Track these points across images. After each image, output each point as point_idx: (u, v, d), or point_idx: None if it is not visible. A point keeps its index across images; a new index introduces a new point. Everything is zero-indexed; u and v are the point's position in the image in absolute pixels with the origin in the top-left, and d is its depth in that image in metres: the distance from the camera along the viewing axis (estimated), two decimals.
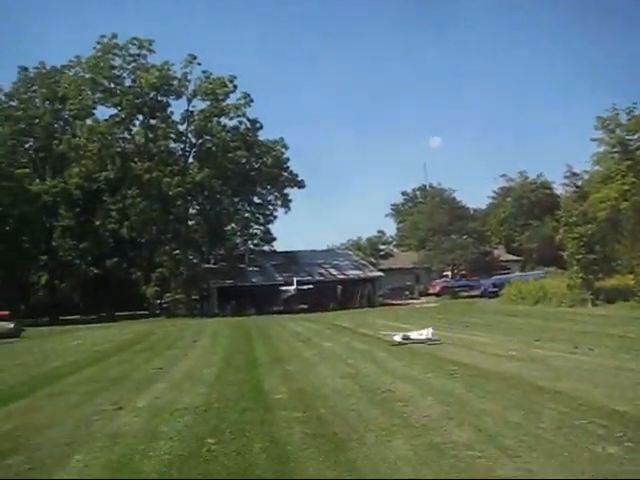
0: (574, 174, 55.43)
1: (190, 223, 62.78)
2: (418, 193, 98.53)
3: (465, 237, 66.05)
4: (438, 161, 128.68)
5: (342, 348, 19.93)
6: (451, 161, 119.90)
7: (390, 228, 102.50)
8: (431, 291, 64.90)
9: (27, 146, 63.38)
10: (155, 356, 20.60)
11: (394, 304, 55.98)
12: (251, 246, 65.32)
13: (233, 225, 64.53)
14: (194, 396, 12.18)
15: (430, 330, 20.04)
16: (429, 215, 69.00)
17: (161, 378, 15.04)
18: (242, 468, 7.27)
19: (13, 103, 61.08)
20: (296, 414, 9.93)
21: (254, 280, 56.62)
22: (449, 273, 65.73)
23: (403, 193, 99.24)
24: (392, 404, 10.29)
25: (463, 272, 64.61)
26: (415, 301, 60.44)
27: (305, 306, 53.11)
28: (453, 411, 9.48)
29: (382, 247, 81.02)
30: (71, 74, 58.98)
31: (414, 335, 20.14)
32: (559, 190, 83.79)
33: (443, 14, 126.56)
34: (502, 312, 34.20)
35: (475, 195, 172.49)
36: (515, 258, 75.55)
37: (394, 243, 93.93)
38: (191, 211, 63.61)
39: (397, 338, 20.36)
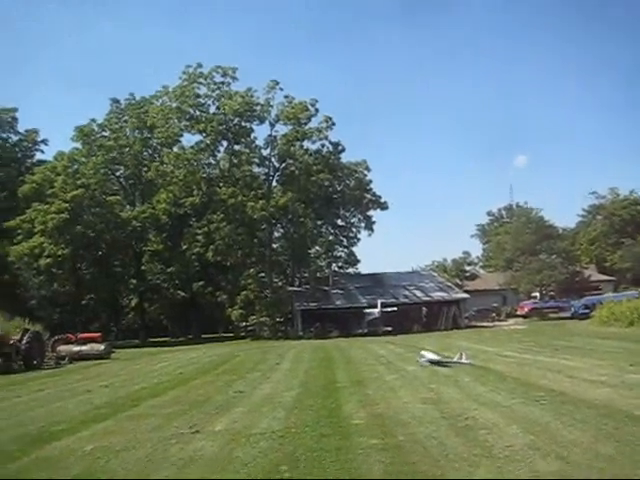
0: None
1: (275, 246, 63.59)
2: (504, 213, 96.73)
3: (554, 257, 63.99)
4: (524, 180, 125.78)
5: (425, 372, 19.34)
6: (537, 180, 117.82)
7: (476, 249, 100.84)
8: (519, 312, 63.16)
9: (118, 174, 65.97)
10: (237, 379, 20.59)
11: (480, 326, 54.65)
12: (335, 268, 65.54)
13: (317, 248, 64.92)
14: (271, 420, 12.01)
15: (464, 353, 20.92)
16: (515, 235, 67.22)
17: (240, 402, 14.94)
18: None
19: (105, 133, 63.83)
20: (374, 441, 9.58)
21: (338, 303, 56.48)
22: (537, 294, 63.72)
23: (488, 213, 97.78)
24: (474, 432, 9.78)
25: (552, 293, 62.48)
26: (502, 323, 58.84)
27: (389, 329, 52.43)
28: (539, 441, 8.90)
29: (467, 268, 79.54)
30: (158, 104, 61.15)
31: (446, 359, 20.98)
32: None
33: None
34: (593, 334, 32.57)
35: (563, 214, 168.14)
36: (607, 278, 72.60)
37: (480, 264, 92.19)
38: (275, 235, 64.54)
39: (424, 361, 20.94)
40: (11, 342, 29.91)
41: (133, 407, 15.16)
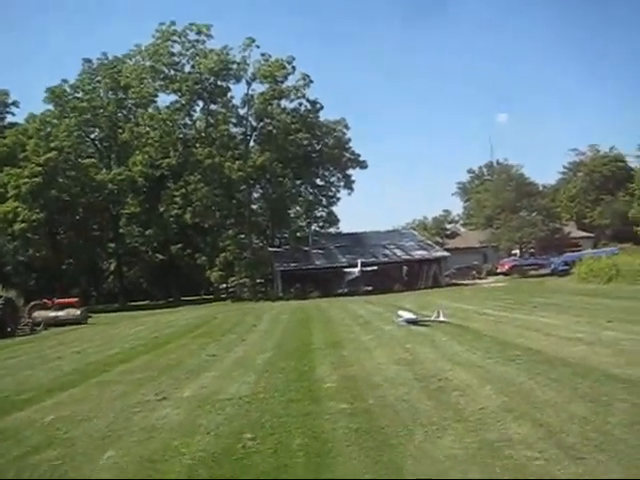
0: None
1: (254, 207, 62.90)
2: (485, 170, 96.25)
3: (534, 214, 63.92)
4: (505, 137, 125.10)
5: (402, 332, 19.11)
6: (518, 137, 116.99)
7: (457, 207, 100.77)
8: (499, 270, 63.17)
9: (93, 136, 64.61)
10: (212, 342, 20.28)
11: (461, 284, 54.69)
12: (317, 228, 65.04)
13: (297, 208, 64.34)
14: (241, 385, 11.70)
15: (441, 311, 20.98)
16: (495, 192, 66.83)
17: (212, 366, 14.64)
18: (275, 467, 6.68)
19: (78, 95, 62.25)
20: (343, 405, 9.29)
21: (318, 263, 56.10)
22: (517, 252, 63.80)
23: (469, 171, 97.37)
24: (447, 394, 9.50)
25: (532, 250, 62.57)
26: (483, 281, 58.90)
27: (370, 288, 52.26)
28: (512, 402, 8.64)
29: (448, 226, 79.53)
30: (132, 63, 59.58)
31: (423, 318, 21.06)
32: (634, 163, 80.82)
33: None
34: (572, 291, 32.51)
35: (544, 171, 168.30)
36: (587, 235, 72.82)
37: (461, 222, 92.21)
38: (255, 195, 63.78)
39: (401, 320, 20.89)
40: None
41: (102, 373, 14.83)
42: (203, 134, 58.70)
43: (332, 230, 66.30)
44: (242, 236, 58.45)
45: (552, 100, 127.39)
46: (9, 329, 30.02)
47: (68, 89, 61.48)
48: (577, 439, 6.75)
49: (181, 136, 59.39)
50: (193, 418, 9.35)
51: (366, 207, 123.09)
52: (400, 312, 22.60)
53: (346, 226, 69.41)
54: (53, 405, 11.30)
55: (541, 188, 74.55)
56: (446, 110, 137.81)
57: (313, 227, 65.69)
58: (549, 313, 21.41)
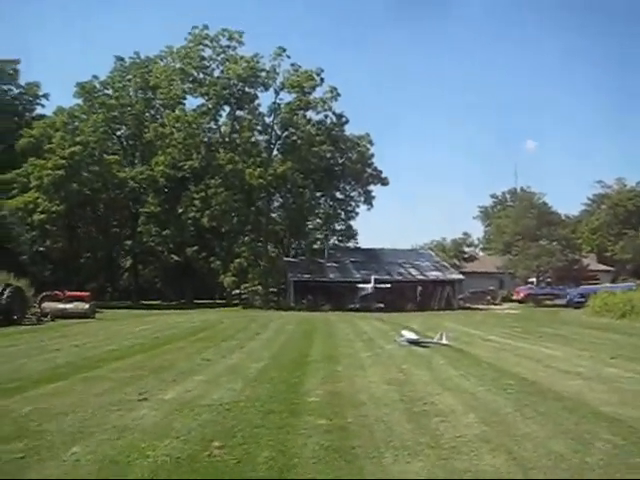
0: None
1: (272, 216, 62.94)
2: (508, 196, 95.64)
3: (554, 243, 63.22)
4: (532, 165, 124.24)
5: (402, 351, 18.86)
6: (545, 166, 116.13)
7: (477, 231, 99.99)
8: (514, 297, 62.50)
9: (119, 134, 65.12)
10: (210, 346, 20.17)
11: (474, 308, 54.20)
12: (336, 242, 64.84)
13: (315, 220, 64.26)
14: (225, 392, 11.55)
15: (444, 334, 20.81)
16: (516, 219, 66.24)
17: (204, 370, 14.51)
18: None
19: (108, 91, 62.79)
20: (321, 421, 9.09)
21: (332, 276, 55.92)
22: (534, 280, 63.07)
23: (492, 196, 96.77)
24: (428, 419, 9.27)
25: (549, 280, 61.80)
26: (497, 307, 58.32)
27: (382, 305, 51.91)
28: (492, 432, 8.39)
29: (466, 249, 78.78)
30: (162, 64, 60.05)
31: (426, 339, 21.07)
32: None
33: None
34: (583, 324, 31.98)
35: (568, 201, 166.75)
36: (606, 268, 71.82)
37: (481, 246, 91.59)
38: (274, 204, 63.83)
39: (403, 340, 20.71)
40: None
41: (93, 369, 14.72)
42: (227, 139, 58.99)
43: (351, 244, 66.08)
44: (258, 244, 58.42)
45: (582, 131, 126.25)
46: (16, 317, 30.17)
47: (98, 85, 62.07)
48: (547, 477, 6.50)
49: (205, 140, 59.71)
50: (168, 421, 9.21)
51: (386, 224, 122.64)
52: (403, 332, 22.33)
53: (365, 242, 69.08)
54: (36, 396, 11.21)
55: (563, 218, 73.83)
56: (475, 133, 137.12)
57: (332, 240, 65.56)
58: (554, 344, 21.02)
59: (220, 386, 12.23)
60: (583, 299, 50.06)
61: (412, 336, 21.25)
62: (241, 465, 7.00)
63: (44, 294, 38.41)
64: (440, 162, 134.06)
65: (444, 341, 20.27)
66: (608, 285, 54.92)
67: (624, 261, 74.91)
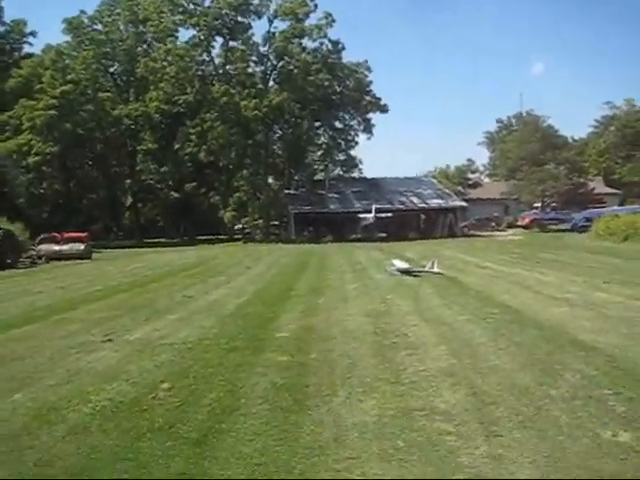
0: None
1: (273, 149, 61.99)
2: (513, 121, 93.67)
3: (561, 168, 62.14)
4: (540, 89, 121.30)
5: (391, 281, 18.44)
6: (554, 89, 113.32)
7: (483, 157, 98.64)
8: (519, 223, 61.97)
9: (111, 70, 63.59)
10: (197, 283, 19.85)
11: (478, 235, 53.72)
12: (340, 172, 63.94)
13: (317, 150, 63.26)
14: (194, 329, 11.19)
15: (435, 261, 20.41)
16: (520, 143, 64.93)
17: (181, 308, 14.15)
18: (169, 424, 6.09)
19: (97, 27, 61.07)
20: (282, 358, 8.70)
21: (332, 207, 55.39)
22: (539, 205, 62.29)
23: (498, 120, 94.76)
24: (395, 352, 8.85)
25: (554, 205, 60.98)
26: (501, 233, 57.81)
27: (384, 235, 51.51)
28: (458, 366, 7.95)
29: (471, 176, 77.82)
30: None
31: (417, 268, 20.71)
32: None
33: None
34: (583, 248, 31.43)
35: (577, 125, 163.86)
36: (613, 191, 70.62)
37: (486, 173, 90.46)
38: (273, 137, 62.72)
39: (393, 269, 20.27)
40: None
41: (69, 311, 14.35)
42: (221, 71, 57.58)
43: (356, 174, 65.15)
44: (258, 177, 57.66)
45: (591, 51, 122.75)
46: (9, 261, 29.92)
47: (86, 21, 60.35)
48: (506, 413, 6.05)
49: (199, 73, 58.16)
50: (124, 363, 8.83)
51: (390, 153, 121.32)
52: (394, 261, 21.90)
53: (369, 172, 68.05)
54: None
55: (571, 141, 72.42)
56: (480, 56, 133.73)
57: (335, 171, 64.69)
58: (550, 270, 20.53)
59: (191, 324, 11.85)
60: (588, 223, 49.40)
61: (403, 265, 20.85)
62: (181, 408, 6.59)
63: (42, 236, 38.17)
64: (444, 88, 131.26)
65: (435, 269, 19.85)
66: (614, 208, 54.08)
67: (632, 184, 73.61)
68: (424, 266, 20.79)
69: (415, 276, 19.24)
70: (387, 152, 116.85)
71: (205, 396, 6.99)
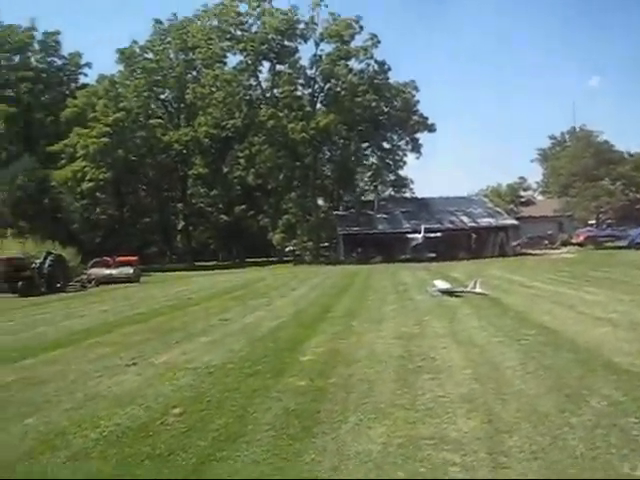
0: None
1: (322, 171, 62.17)
2: (567, 136, 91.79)
3: (618, 184, 60.46)
4: (596, 103, 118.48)
5: (430, 302, 18.09)
6: (610, 103, 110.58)
7: (536, 174, 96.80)
8: (574, 241, 60.34)
9: (162, 97, 65.02)
10: (237, 305, 19.89)
11: (530, 254, 52.50)
12: (391, 193, 63.61)
13: (364, 172, 63.20)
14: (221, 353, 11.12)
15: (478, 281, 19.94)
16: (572, 159, 63.49)
17: (215, 331, 14.14)
18: (169, 450, 5.98)
19: (148, 55, 62.61)
20: (301, 382, 8.52)
21: (381, 227, 55.00)
22: (594, 222, 60.64)
23: (551, 137, 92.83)
24: (417, 377, 8.56)
25: (610, 221, 59.27)
26: (555, 251, 56.34)
27: (433, 255, 50.81)
28: (480, 391, 7.63)
29: (523, 194, 76.32)
30: (199, 24, 59.36)
31: (459, 288, 20.12)
32: None
33: None
34: (638, 266, 30.33)
35: (637, 140, 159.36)
36: None
37: (540, 190, 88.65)
38: (322, 159, 62.90)
39: (434, 290, 19.87)
40: (32, 266, 29.94)
41: (104, 334, 14.48)
42: (268, 95, 58.18)
43: (408, 195, 64.71)
44: (306, 199, 57.83)
45: None
46: (59, 285, 30.61)
47: (138, 50, 62.02)
48: (519, 442, 5.73)
49: (246, 97, 58.87)
50: (144, 387, 8.79)
51: (441, 173, 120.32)
52: (435, 281, 21.51)
53: (419, 192, 67.29)
54: (29, 365, 11.03)
55: (626, 156, 70.49)
56: (533, 72, 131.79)
57: (387, 192, 64.41)
58: (598, 289, 19.85)
59: (220, 347, 11.79)
60: None
61: (445, 285, 20.43)
62: (188, 433, 6.48)
63: (94, 261, 39.02)
64: (495, 106, 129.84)
65: (478, 289, 19.39)
66: None
67: None
68: (467, 286, 20.34)
69: (457, 297, 18.83)
70: (439, 172, 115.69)
71: (213, 422, 6.87)
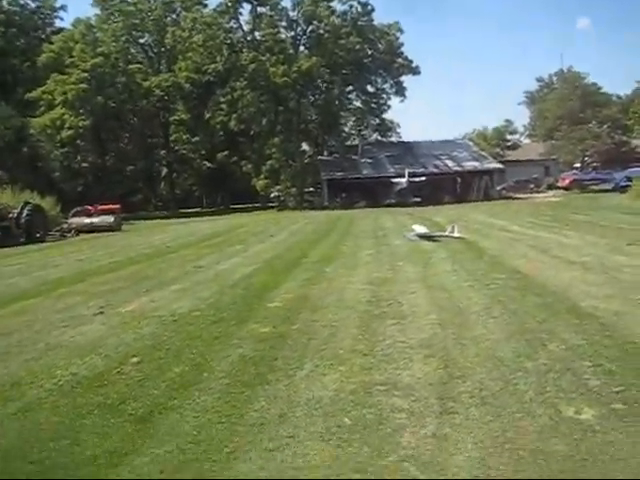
0: None
1: (305, 115, 61.33)
2: (554, 79, 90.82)
3: (604, 126, 60.11)
4: (586, 45, 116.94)
5: (407, 247, 18.05)
6: (598, 45, 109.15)
7: (524, 117, 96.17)
8: (559, 184, 60.32)
9: (142, 42, 63.52)
10: (214, 252, 19.74)
11: (516, 198, 52.51)
12: (377, 137, 62.95)
13: (347, 116, 62.45)
14: (189, 301, 11.01)
15: (456, 225, 20.03)
16: (558, 102, 62.96)
17: (187, 278, 14.03)
18: (121, 399, 5.93)
19: None
20: (264, 329, 8.46)
21: (365, 172, 54.72)
22: (579, 165, 60.54)
23: (538, 79, 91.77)
24: (381, 322, 8.53)
25: (595, 164, 59.17)
26: (540, 195, 56.38)
27: (418, 199, 50.68)
28: (441, 336, 7.60)
29: (509, 137, 75.89)
30: None
31: (437, 232, 20.25)
32: None
33: None
34: (620, 209, 30.28)
35: (626, 83, 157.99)
36: None
37: (527, 133, 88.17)
38: (305, 103, 61.97)
39: (412, 235, 19.81)
40: (10, 215, 29.60)
41: (77, 283, 14.39)
42: (249, 38, 56.93)
43: (394, 139, 64.17)
44: (290, 144, 57.21)
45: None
46: (38, 235, 30.33)
47: None
48: (470, 388, 5.70)
49: (228, 41, 57.60)
50: (107, 336, 8.70)
51: (429, 116, 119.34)
52: (414, 226, 21.48)
53: (408, 136, 66.79)
54: None
55: (614, 99, 69.99)
56: (521, 10, 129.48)
57: (373, 137, 63.81)
58: (576, 232, 19.86)
59: (190, 295, 11.69)
60: (630, 183, 47.88)
61: (422, 230, 20.39)
62: (142, 382, 6.42)
63: (75, 210, 38.59)
64: (482, 46, 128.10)
65: (456, 234, 19.39)
66: None
67: None
68: (445, 230, 20.34)
69: (434, 241, 18.81)
70: (426, 116, 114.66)
71: (170, 370, 6.81)
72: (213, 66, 56.36)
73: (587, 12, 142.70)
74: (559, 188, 59.22)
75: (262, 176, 55.36)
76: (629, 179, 49.08)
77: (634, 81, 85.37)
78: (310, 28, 57.01)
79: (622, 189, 47.98)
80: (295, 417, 5.25)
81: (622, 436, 4.62)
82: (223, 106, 56.86)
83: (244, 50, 56.01)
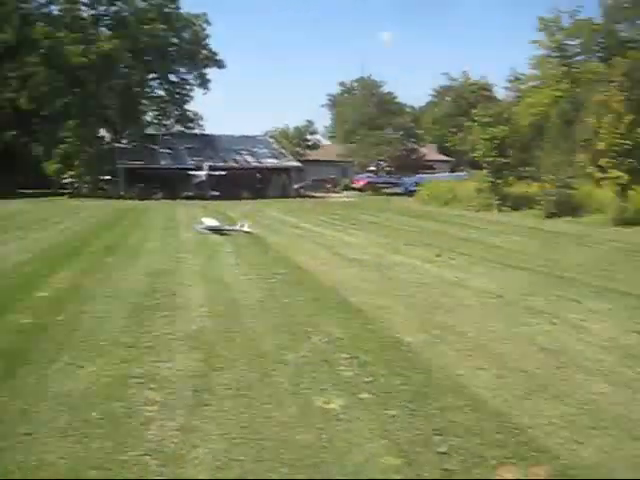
0: (517, 78, 53.54)
1: (104, 100, 58.43)
2: (355, 84, 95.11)
3: (400, 133, 63.92)
4: (388, 56, 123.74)
5: (195, 240, 18.00)
6: (399, 58, 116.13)
7: (326, 119, 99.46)
8: (354, 186, 63.22)
9: None
10: None
11: (313, 196, 54.16)
12: (181, 128, 61.39)
13: (149, 104, 60.49)
14: None
15: (245, 223, 20.26)
16: (356, 107, 66.09)
17: None
18: None
19: None
20: (26, 320, 8.07)
21: (164, 162, 53.45)
22: (374, 168, 63.91)
23: (341, 84, 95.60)
24: (152, 314, 8.46)
25: (388, 169, 62.86)
26: (336, 195, 58.64)
27: (217, 193, 50.49)
28: (209, 329, 7.72)
29: (310, 137, 78.04)
30: None
31: (227, 226, 20.56)
32: (502, 94, 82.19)
33: None
34: (406, 212, 32.46)
35: (418, 94, 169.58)
36: (445, 159, 73.83)
37: (328, 135, 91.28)
38: (105, 87, 59.09)
39: (201, 228, 19.94)
40: None
41: None
42: (45, 11, 53.21)
43: (197, 131, 63.07)
44: (86, 129, 54.23)
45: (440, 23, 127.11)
46: None
47: None
48: (228, 380, 5.84)
49: (21, 11, 53.24)
50: None
51: (234, 111, 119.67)
52: (203, 219, 21.45)
53: (211, 129, 65.82)
54: None
55: (408, 109, 74.68)
56: (330, 20, 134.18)
57: (176, 128, 62.26)
58: (361, 232, 21.02)
59: None
60: (418, 188, 51.57)
61: (213, 223, 20.41)
62: None
63: None
64: (291, 49, 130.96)
65: (246, 228, 19.63)
66: (446, 174, 56.79)
67: (463, 152, 77.20)
68: (236, 225, 20.52)
69: (223, 235, 18.89)
70: (237, 111, 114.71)
71: None
72: (2, 36, 51.84)
73: (390, 27, 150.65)
74: (354, 189, 62.08)
75: (54, 160, 51.94)
76: (417, 184, 52.94)
77: (427, 94, 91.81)
78: (113, 9, 54.46)
79: (411, 193, 51.57)
80: (38, 413, 5.00)
81: (363, 423, 4.92)
82: (13, 82, 52.41)
83: (38, 23, 52.04)
